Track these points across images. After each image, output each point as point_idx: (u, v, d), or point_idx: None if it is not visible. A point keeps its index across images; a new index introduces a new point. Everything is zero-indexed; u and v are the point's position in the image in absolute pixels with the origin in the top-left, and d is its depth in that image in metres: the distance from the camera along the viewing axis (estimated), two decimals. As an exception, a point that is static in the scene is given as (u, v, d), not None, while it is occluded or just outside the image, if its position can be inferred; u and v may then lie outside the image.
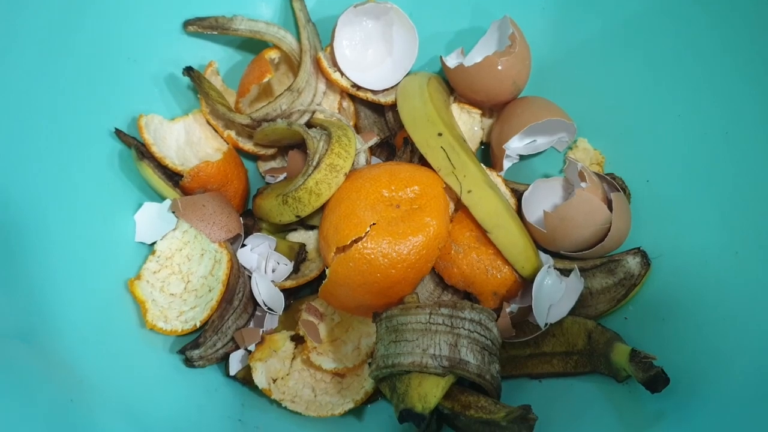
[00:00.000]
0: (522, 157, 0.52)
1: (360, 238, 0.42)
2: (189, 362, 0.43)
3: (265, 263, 0.46)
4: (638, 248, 0.44)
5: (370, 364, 0.42)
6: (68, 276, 0.40)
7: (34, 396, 0.33)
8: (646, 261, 0.44)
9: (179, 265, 0.45)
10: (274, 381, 0.43)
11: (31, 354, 0.35)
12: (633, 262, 0.44)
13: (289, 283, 0.46)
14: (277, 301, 0.45)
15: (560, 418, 0.41)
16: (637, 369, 0.38)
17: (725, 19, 0.41)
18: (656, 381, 0.37)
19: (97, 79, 0.44)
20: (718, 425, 0.35)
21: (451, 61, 0.50)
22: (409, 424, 0.39)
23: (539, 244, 0.46)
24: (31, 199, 0.39)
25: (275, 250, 0.47)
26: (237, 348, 0.45)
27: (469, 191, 0.44)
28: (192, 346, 0.43)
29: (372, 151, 0.52)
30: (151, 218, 0.45)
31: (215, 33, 0.49)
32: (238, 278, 0.44)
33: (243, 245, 0.47)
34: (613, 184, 0.45)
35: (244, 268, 0.46)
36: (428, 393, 0.38)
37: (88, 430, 0.34)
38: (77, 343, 0.38)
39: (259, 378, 0.42)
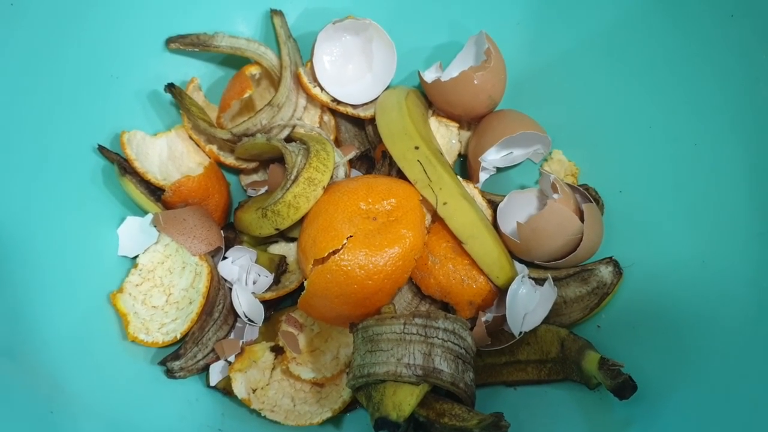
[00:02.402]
0: (499, 169, 0.53)
1: (337, 250, 0.43)
2: (170, 373, 0.44)
3: (246, 275, 0.47)
4: (611, 257, 0.45)
5: (347, 373, 0.42)
6: (52, 289, 0.41)
7: (14, 409, 0.33)
8: (618, 270, 0.45)
9: (161, 278, 0.45)
10: (254, 391, 0.44)
11: (13, 367, 0.36)
12: (605, 271, 0.45)
13: (269, 295, 0.47)
14: (257, 312, 0.46)
15: (534, 424, 0.42)
16: (606, 376, 0.38)
17: (695, 33, 0.42)
18: (624, 388, 0.38)
19: (80, 96, 0.45)
20: (684, 431, 0.36)
21: (429, 76, 0.51)
22: (384, 432, 0.40)
23: (514, 254, 0.47)
24: (15, 214, 0.40)
25: (256, 262, 0.48)
26: (217, 359, 0.45)
27: (445, 203, 0.45)
28: (173, 357, 0.44)
29: (352, 163, 0.53)
30: (134, 232, 0.46)
31: (197, 50, 0.50)
32: (218, 290, 0.45)
33: (224, 258, 0.48)
34: (585, 195, 0.46)
35: (225, 280, 0.47)
36: (402, 401, 0.39)
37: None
38: (60, 355, 0.39)
39: (239, 388, 0.43)
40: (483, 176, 0.52)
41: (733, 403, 0.35)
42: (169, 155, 0.50)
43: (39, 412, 0.35)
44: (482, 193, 0.50)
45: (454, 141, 0.53)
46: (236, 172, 0.54)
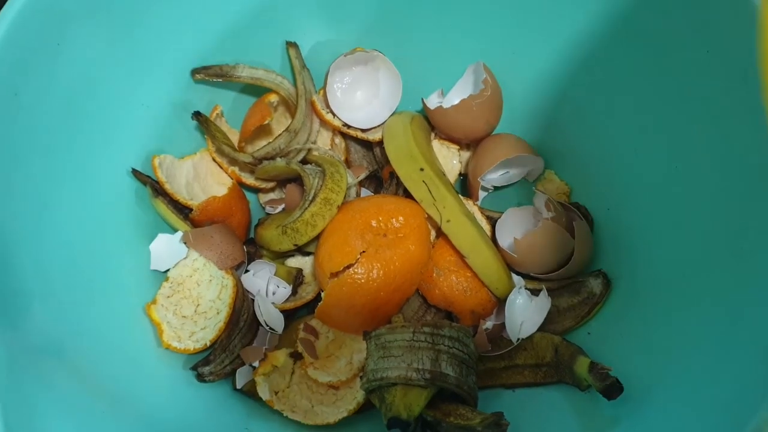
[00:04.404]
0: (496, 188, 0.58)
1: (351, 265, 0.47)
2: (200, 377, 0.48)
3: (266, 287, 0.51)
4: (600, 270, 0.50)
5: (361, 377, 0.47)
6: (93, 300, 0.45)
7: (64, 405, 0.38)
8: (607, 281, 0.49)
9: (190, 290, 0.50)
10: (276, 393, 0.48)
11: (62, 367, 0.40)
12: (595, 283, 0.49)
13: (288, 305, 0.51)
14: (278, 321, 0.50)
15: (530, 422, 0.46)
16: (595, 379, 0.43)
17: (674, 66, 0.45)
18: (611, 389, 0.42)
19: (115, 125, 0.48)
20: (666, 427, 0.40)
21: (432, 103, 0.56)
22: (396, 431, 0.44)
23: (511, 267, 0.52)
24: (61, 235, 0.44)
25: (275, 275, 0.52)
26: (243, 364, 0.49)
27: (448, 221, 0.50)
28: (203, 363, 0.48)
29: (362, 183, 0.57)
30: (165, 248, 0.50)
31: (220, 80, 0.54)
32: (242, 301, 0.49)
33: (246, 271, 0.52)
34: (576, 212, 0.51)
35: (248, 291, 0.51)
36: (413, 403, 0.43)
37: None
38: (103, 359, 0.43)
39: (263, 390, 0.47)
40: (482, 194, 0.57)
41: (710, 401, 0.39)
42: (195, 176, 0.54)
43: (86, 411, 0.39)
44: (481, 210, 0.54)
45: (455, 162, 0.57)
46: (255, 191, 0.58)
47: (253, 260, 0.53)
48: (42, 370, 0.39)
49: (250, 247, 0.54)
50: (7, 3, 0.40)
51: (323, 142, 0.57)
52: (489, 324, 0.50)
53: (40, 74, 0.43)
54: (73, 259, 0.45)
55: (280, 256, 0.54)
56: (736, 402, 0.36)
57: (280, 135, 0.54)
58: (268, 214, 0.57)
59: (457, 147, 0.57)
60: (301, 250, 0.53)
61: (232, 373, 0.49)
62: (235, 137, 0.56)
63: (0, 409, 0.29)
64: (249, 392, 0.49)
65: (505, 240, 0.52)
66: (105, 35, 0.46)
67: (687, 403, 0.39)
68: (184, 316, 0.49)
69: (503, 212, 0.53)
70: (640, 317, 0.46)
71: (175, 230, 0.52)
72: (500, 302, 0.50)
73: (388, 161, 0.53)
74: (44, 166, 0.44)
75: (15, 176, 0.41)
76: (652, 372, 0.43)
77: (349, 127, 0.56)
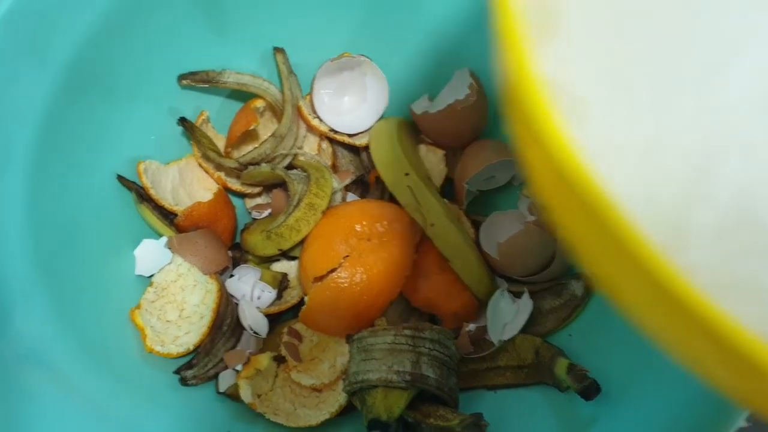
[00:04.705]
0: (482, 192, 0.58)
1: (335, 269, 0.47)
2: (184, 381, 0.48)
3: (251, 291, 0.52)
4: (581, 273, 0.50)
5: (344, 380, 0.47)
6: (77, 306, 0.45)
7: (47, 413, 0.38)
8: (588, 284, 0.49)
9: (174, 295, 0.50)
10: (259, 396, 0.48)
11: (47, 375, 0.40)
12: (577, 286, 0.49)
13: (272, 309, 0.51)
14: (262, 325, 0.51)
15: (511, 422, 0.46)
16: (574, 380, 0.43)
17: None
18: (589, 390, 0.42)
19: (102, 131, 0.49)
20: (641, 425, 0.40)
21: (418, 108, 0.56)
22: (376, 432, 0.44)
23: (494, 269, 0.52)
24: (45, 241, 0.45)
25: (260, 279, 0.52)
26: (226, 368, 0.50)
27: (432, 224, 0.50)
28: (186, 366, 0.48)
29: (348, 187, 0.58)
30: (149, 253, 0.51)
31: (206, 86, 0.54)
32: (226, 306, 0.50)
33: (231, 275, 0.53)
34: (559, 216, 0.51)
35: (232, 296, 0.52)
36: (393, 404, 0.44)
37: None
38: (88, 365, 0.43)
39: (246, 394, 0.47)
40: (467, 198, 0.57)
41: (684, 399, 0.39)
42: (181, 182, 0.55)
43: (70, 417, 0.40)
44: (466, 213, 0.54)
45: (441, 166, 0.58)
46: (241, 196, 0.59)
47: (239, 265, 0.53)
48: (25, 378, 0.39)
49: (236, 252, 0.55)
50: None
51: (310, 147, 0.58)
52: (472, 326, 0.50)
53: (25, 81, 0.44)
54: (58, 265, 0.45)
55: (266, 261, 0.54)
56: (709, 400, 0.37)
57: (266, 140, 0.54)
58: (255, 219, 0.57)
59: (443, 152, 0.57)
60: (286, 255, 0.53)
61: (215, 376, 0.50)
62: (221, 143, 0.57)
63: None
64: (232, 395, 0.49)
65: (489, 243, 0.52)
66: (91, 41, 0.47)
67: (662, 401, 0.40)
68: (168, 321, 0.49)
69: (487, 216, 0.53)
70: (620, 319, 0.46)
71: (160, 235, 0.52)
72: (483, 305, 0.51)
73: (374, 165, 0.54)
74: (29, 172, 0.44)
75: (0, 181, 0.42)
76: (629, 372, 0.43)
77: (336, 132, 0.57)
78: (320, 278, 0.48)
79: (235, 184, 0.56)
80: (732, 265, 0.19)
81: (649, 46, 0.23)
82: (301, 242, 0.51)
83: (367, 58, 0.56)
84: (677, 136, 0.22)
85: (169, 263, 0.51)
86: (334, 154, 0.59)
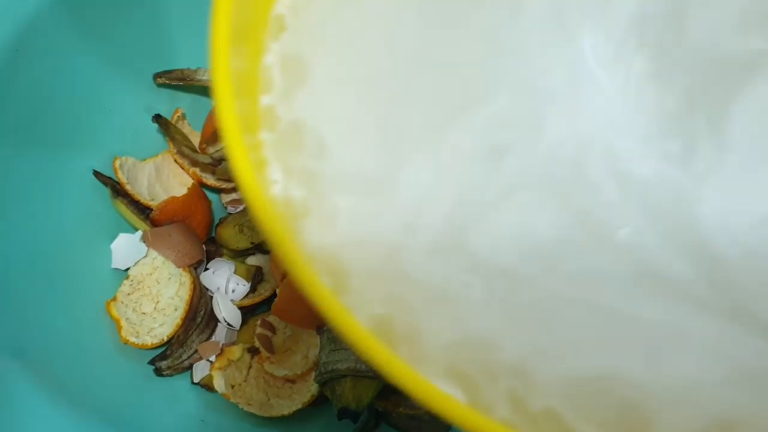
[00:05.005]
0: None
1: (306, 262, 0.49)
2: (158, 372, 0.49)
3: (225, 284, 0.53)
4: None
5: (315, 370, 0.48)
6: (54, 299, 0.46)
7: (24, 404, 0.39)
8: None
9: (150, 288, 0.51)
10: (233, 387, 0.49)
11: (23, 367, 0.41)
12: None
13: (246, 302, 0.53)
14: (236, 317, 0.52)
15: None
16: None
17: None
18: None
19: (78, 128, 0.50)
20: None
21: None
22: (347, 420, 0.46)
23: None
24: (22, 236, 0.46)
25: (235, 272, 0.53)
26: (200, 359, 0.51)
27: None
28: (160, 357, 0.49)
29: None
30: (125, 247, 0.52)
31: (182, 83, 0.55)
32: (200, 298, 0.51)
33: (206, 269, 0.54)
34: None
35: (207, 288, 0.53)
36: (362, 394, 0.45)
37: None
38: (63, 356, 0.44)
39: (219, 384, 0.48)
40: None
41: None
42: (157, 178, 0.56)
43: (47, 408, 0.41)
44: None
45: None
46: (217, 191, 0.60)
47: (214, 258, 0.54)
48: (2, 371, 0.40)
49: (211, 246, 0.56)
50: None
51: (285, 143, 0.59)
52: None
53: (2, 78, 0.44)
54: (34, 258, 0.46)
55: (241, 255, 0.55)
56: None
57: (239, 137, 0.55)
58: (230, 213, 0.58)
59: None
60: (260, 249, 0.54)
61: (190, 367, 0.51)
62: (197, 139, 0.58)
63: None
64: (206, 386, 0.50)
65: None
66: (69, 41, 0.48)
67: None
68: (144, 313, 0.50)
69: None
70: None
71: (135, 230, 0.53)
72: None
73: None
74: (6, 167, 0.45)
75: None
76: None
77: (309, 128, 0.58)
78: (292, 271, 0.49)
79: (210, 180, 0.57)
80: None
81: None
82: (275, 236, 0.52)
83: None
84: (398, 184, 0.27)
85: (145, 257, 0.52)
86: (309, 150, 0.60)
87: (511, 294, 0.26)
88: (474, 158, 0.28)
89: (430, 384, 0.20)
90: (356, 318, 0.21)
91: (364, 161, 0.28)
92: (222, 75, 0.22)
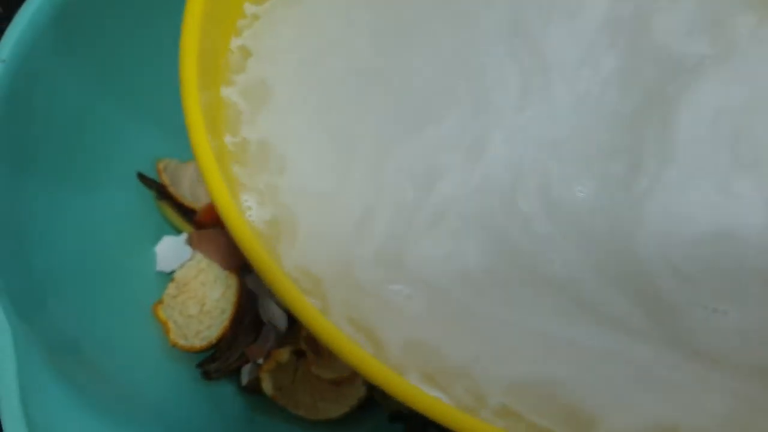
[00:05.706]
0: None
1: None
2: (206, 375, 0.49)
3: (270, 286, 0.53)
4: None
5: (363, 373, 0.48)
6: (102, 301, 0.46)
7: (83, 400, 0.39)
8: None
9: (195, 290, 0.51)
10: (280, 389, 0.49)
11: (80, 364, 0.41)
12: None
13: (291, 304, 0.52)
14: (281, 319, 0.52)
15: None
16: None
17: None
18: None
19: (122, 132, 0.50)
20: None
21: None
22: (396, 425, 0.46)
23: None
24: (71, 238, 0.46)
25: (279, 274, 0.53)
26: (248, 361, 0.51)
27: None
28: (209, 360, 0.49)
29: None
30: (170, 250, 0.52)
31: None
32: (247, 300, 0.51)
33: (251, 271, 0.54)
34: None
35: (252, 291, 0.53)
36: (413, 397, 0.45)
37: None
38: (114, 357, 0.44)
39: (267, 387, 0.48)
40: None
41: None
42: (199, 179, 0.55)
43: (102, 403, 0.41)
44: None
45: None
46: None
47: (258, 260, 0.54)
48: (60, 365, 0.40)
49: (255, 247, 0.56)
50: (19, 11, 0.42)
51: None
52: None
53: (50, 86, 0.44)
54: (83, 260, 0.46)
55: (284, 256, 0.55)
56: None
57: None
58: (272, 215, 0.58)
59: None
60: (304, 251, 0.54)
61: (237, 370, 0.51)
62: (238, 140, 0.58)
63: (20, 401, 0.30)
64: (254, 388, 0.50)
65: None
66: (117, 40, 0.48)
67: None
68: (190, 315, 0.50)
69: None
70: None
71: (180, 232, 0.53)
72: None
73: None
74: (56, 172, 0.45)
75: (29, 181, 0.43)
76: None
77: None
78: (338, 273, 0.48)
79: (251, 181, 0.57)
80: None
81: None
82: (319, 238, 0.51)
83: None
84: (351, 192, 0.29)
85: (190, 259, 0.51)
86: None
87: (447, 310, 0.27)
88: (411, 180, 0.30)
89: (405, 381, 0.24)
90: (342, 331, 0.23)
91: (320, 177, 0.30)
92: (194, 114, 0.28)
